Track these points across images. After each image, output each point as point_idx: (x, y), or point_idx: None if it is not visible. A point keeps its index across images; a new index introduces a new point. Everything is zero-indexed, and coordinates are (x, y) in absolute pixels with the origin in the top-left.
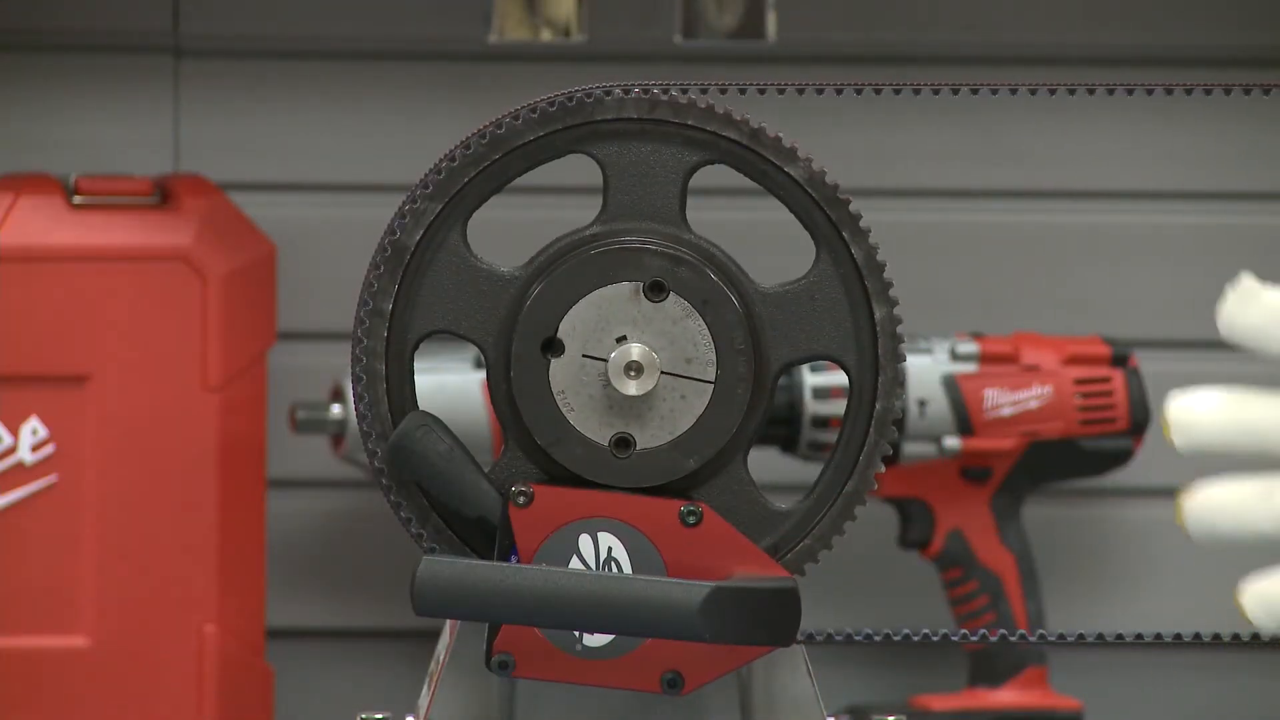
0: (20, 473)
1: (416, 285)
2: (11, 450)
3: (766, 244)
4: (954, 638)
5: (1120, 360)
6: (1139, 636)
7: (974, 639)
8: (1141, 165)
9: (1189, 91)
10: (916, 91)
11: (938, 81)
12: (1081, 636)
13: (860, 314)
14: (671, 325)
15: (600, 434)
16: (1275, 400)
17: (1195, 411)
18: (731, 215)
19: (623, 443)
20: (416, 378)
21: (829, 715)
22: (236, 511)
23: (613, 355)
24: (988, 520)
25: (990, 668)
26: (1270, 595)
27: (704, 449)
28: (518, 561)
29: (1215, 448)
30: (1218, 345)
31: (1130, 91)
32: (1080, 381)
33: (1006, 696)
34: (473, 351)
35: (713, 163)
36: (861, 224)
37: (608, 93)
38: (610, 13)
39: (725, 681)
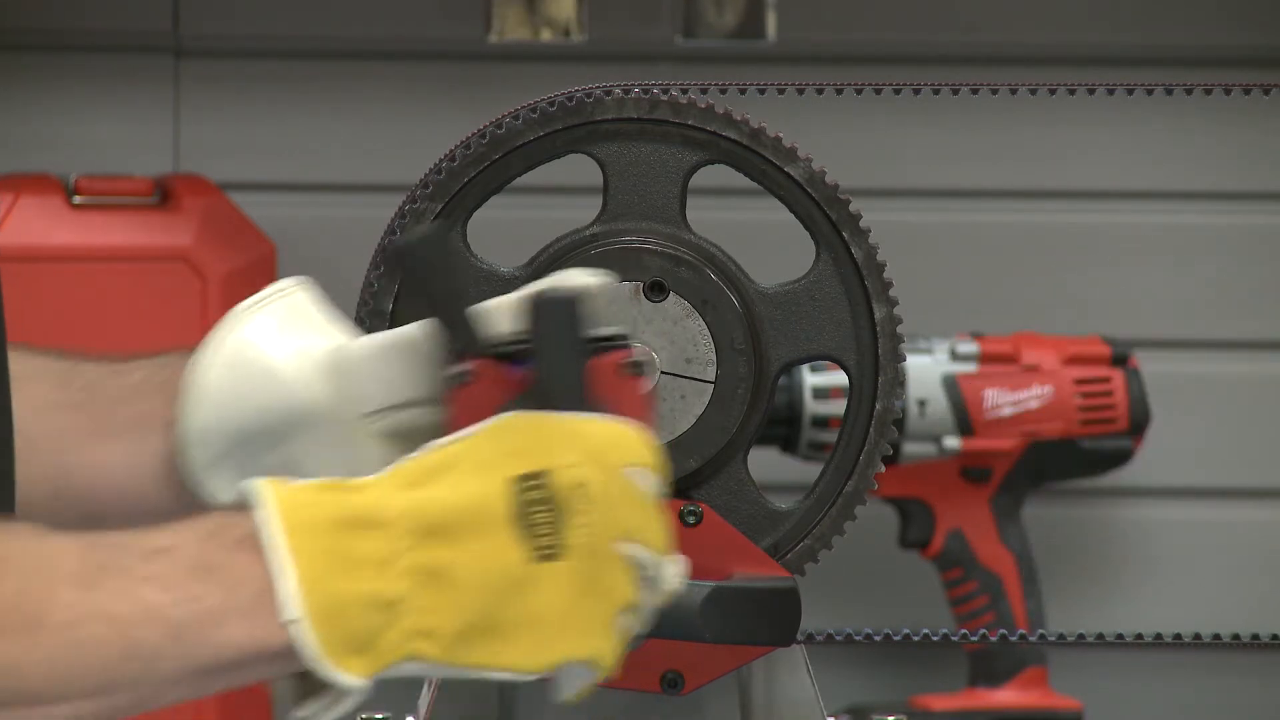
0: None
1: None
2: None
3: (766, 244)
4: (954, 638)
5: (1120, 360)
6: (1139, 636)
7: (974, 639)
8: (1141, 165)
9: (1189, 91)
10: (916, 91)
11: (938, 81)
12: (1081, 636)
13: (860, 314)
14: (671, 325)
15: None
16: None
17: None
18: (731, 215)
19: None
20: None
21: (829, 715)
22: None
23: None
24: (988, 520)
25: (990, 668)
26: None
27: (704, 449)
28: None
29: None
30: (1218, 345)
31: (1130, 91)
32: (1080, 381)
33: (1006, 696)
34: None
35: (713, 163)
36: (861, 224)
37: (608, 93)
38: (610, 13)
39: (725, 681)
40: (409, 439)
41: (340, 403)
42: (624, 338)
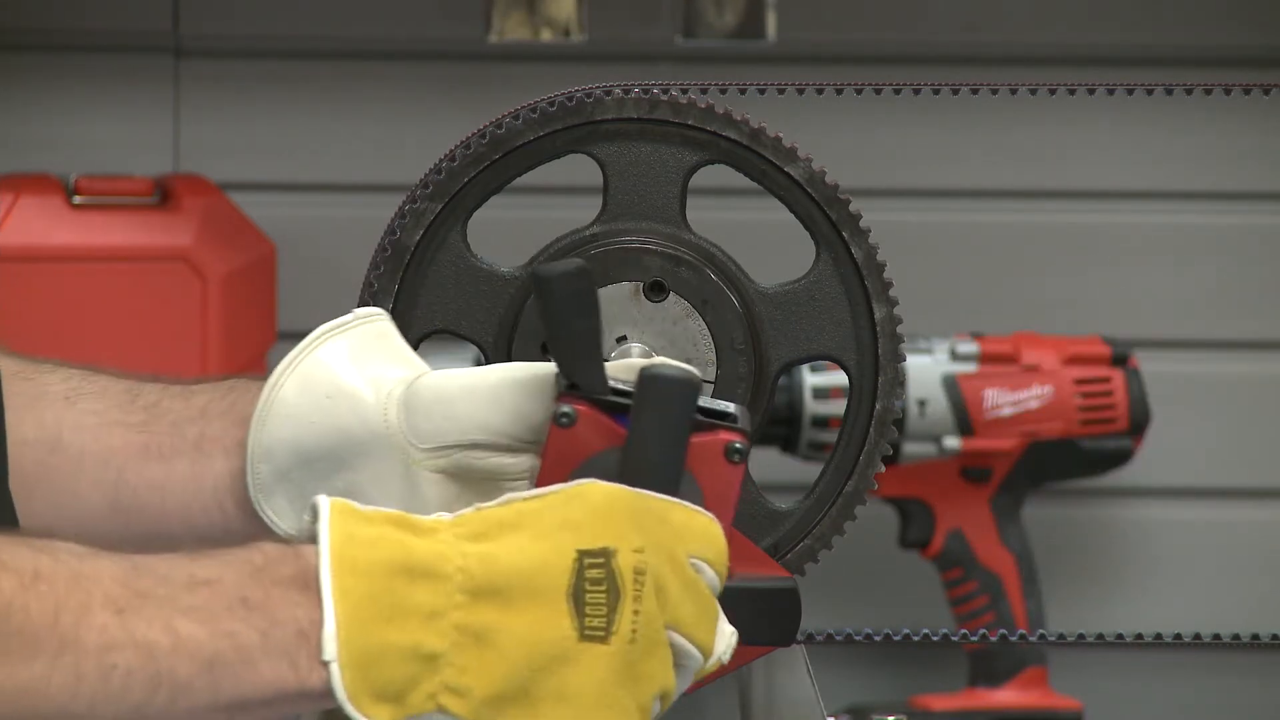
0: None
1: (416, 285)
2: None
3: (766, 244)
4: (954, 638)
5: (1120, 360)
6: (1139, 636)
7: (974, 639)
8: (1141, 165)
9: (1189, 91)
10: (916, 91)
11: (938, 81)
12: (1081, 636)
13: (860, 314)
14: (671, 325)
15: None
16: None
17: None
18: (731, 215)
19: None
20: None
21: (829, 715)
22: None
23: (613, 355)
24: (988, 520)
25: (990, 668)
26: None
27: None
28: None
29: None
30: (1218, 345)
31: (1130, 91)
32: (1080, 381)
33: (1006, 696)
34: (473, 351)
35: (713, 163)
36: (861, 224)
37: (608, 93)
38: (610, 13)
39: (725, 681)
40: (472, 479)
41: (407, 434)
42: (734, 418)
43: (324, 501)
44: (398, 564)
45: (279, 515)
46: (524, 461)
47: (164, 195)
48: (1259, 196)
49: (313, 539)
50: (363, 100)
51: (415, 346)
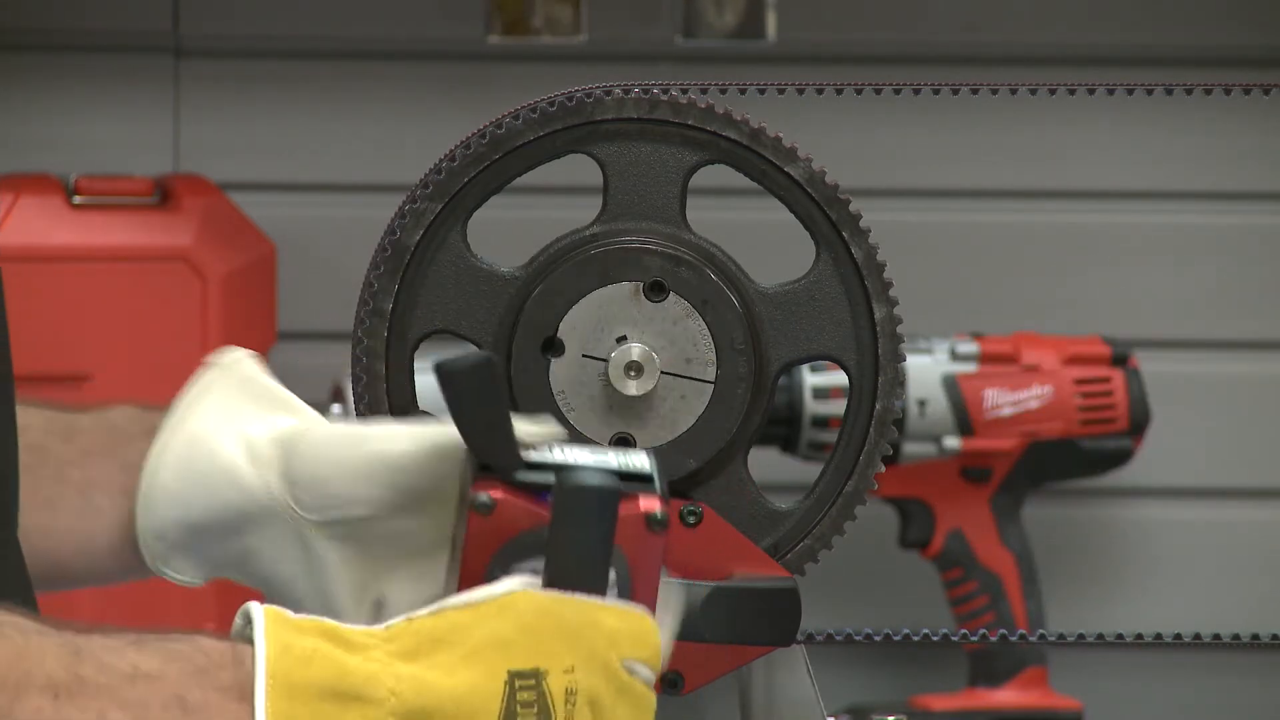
0: None
1: (417, 285)
2: None
3: (766, 244)
4: (954, 638)
5: (1120, 360)
6: (1139, 636)
7: (974, 639)
8: (1141, 165)
9: (1189, 91)
10: (916, 91)
11: (938, 81)
12: (1081, 636)
13: (860, 314)
14: (671, 325)
15: (600, 434)
16: None
17: None
18: (731, 215)
19: (623, 443)
20: (417, 378)
21: (829, 715)
22: None
23: (613, 355)
24: (988, 520)
25: (990, 668)
26: None
27: (704, 449)
28: None
29: None
30: (1218, 345)
31: (1130, 91)
32: (1080, 381)
33: (1006, 696)
34: (472, 351)
35: (713, 163)
36: (861, 224)
37: (608, 93)
38: (610, 13)
39: (725, 681)
40: (365, 543)
41: (293, 506)
42: (650, 478)
43: (258, 611)
44: (330, 686)
45: (181, 573)
46: (424, 524)
47: (164, 195)
48: (1259, 196)
49: (246, 639)
50: (363, 100)
51: (415, 347)
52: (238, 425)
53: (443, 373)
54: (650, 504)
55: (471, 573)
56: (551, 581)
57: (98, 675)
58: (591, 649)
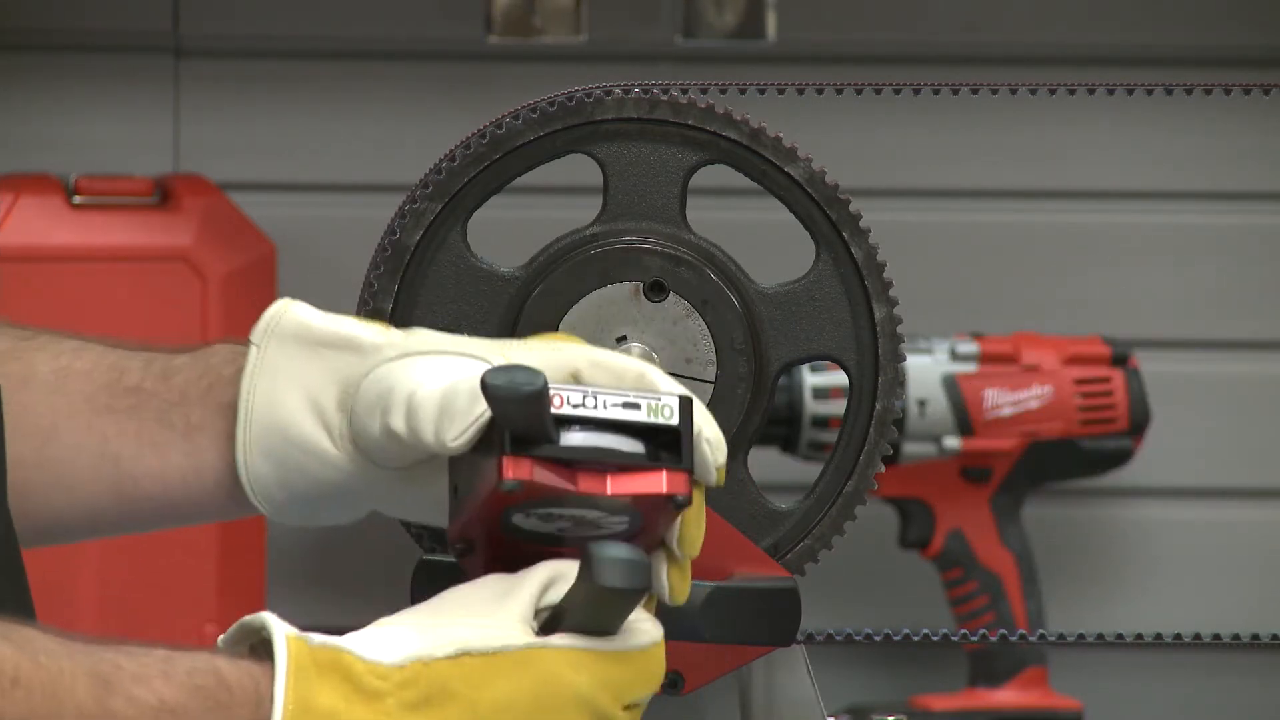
0: None
1: (417, 285)
2: None
3: (766, 244)
4: (954, 638)
5: (1120, 360)
6: (1139, 636)
7: (974, 639)
8: (1141, 165)
9: (1189, 91)
10: (916, 91)
11: (938, 81)
12: (1081, 636)
13: (860, 314)
14: (671, 325)
15: None
16: None
17: None
18: (731, 215)
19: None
20: None
21: (829, 715)
22: None
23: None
24: (988, 520)
25: (990, 668)
26: None
27: None
28: None
29: None
30: (1218, 345)
31: (1130, 91)
32: (1080, 381)
33: (1006, 696)
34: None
35: (713, 163)
36: (861, 224)
37: (608, 93)
38: (610, 13)
39: (725, 681)
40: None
41: (372, 463)
42: (677, 440)
43: (280, 650)
44: None
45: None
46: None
47: (164, 195)
48: (1259, 196)
49: (264, 654)
50: (363, 100)
51: None
52: (305, 391)
53: (491, 395)
54: (675, 484)
55: (486, 517)
56: (571, 628)
57: (126, 709)
58: (596, 711)
